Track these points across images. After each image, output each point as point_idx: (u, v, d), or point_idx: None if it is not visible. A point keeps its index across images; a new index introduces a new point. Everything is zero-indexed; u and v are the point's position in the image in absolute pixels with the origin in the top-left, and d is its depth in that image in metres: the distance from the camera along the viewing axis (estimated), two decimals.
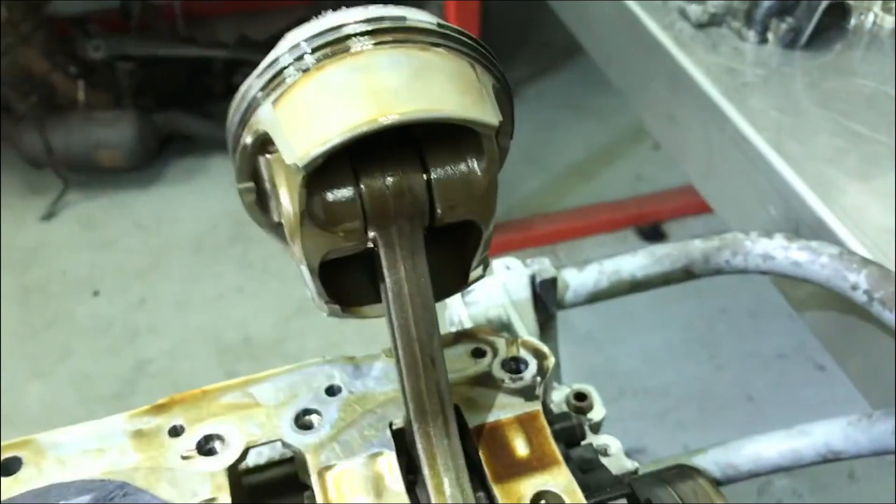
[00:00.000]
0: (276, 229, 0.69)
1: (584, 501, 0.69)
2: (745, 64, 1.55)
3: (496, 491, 0.70)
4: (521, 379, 0.78)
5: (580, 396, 0.89)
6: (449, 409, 0.69)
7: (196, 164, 3.57)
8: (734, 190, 1.50)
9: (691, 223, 3.34)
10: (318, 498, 0.71)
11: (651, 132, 1.78)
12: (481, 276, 0.72)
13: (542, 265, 1.13)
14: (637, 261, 1.18)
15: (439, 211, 0.66)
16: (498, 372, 0.79)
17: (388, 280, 0.67)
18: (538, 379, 0.78)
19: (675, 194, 3.33)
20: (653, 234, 3.30)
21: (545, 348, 0.79)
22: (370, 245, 0.67)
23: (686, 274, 1.20)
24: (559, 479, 0.70)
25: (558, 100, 3.88)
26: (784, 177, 1.36)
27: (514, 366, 0.79)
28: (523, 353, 0.80)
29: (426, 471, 0.69)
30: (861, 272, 1.10)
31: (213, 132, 3.51)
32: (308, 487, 0.72)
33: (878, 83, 1.49)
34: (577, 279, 1.15)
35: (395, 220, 0.65)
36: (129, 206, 3.42)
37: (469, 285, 0.72)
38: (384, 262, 0.66)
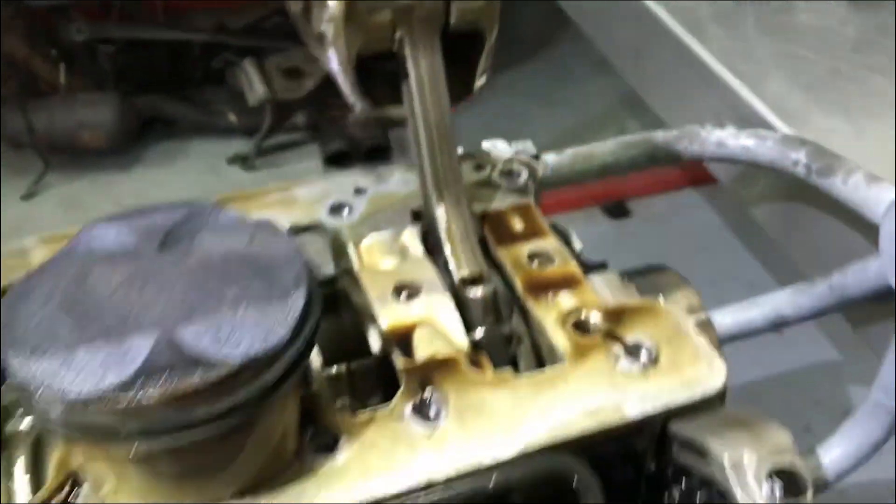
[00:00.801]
0: (318, 39, 0.86)
1: (571, 259, 0.86)
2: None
3: (499, 253, 0.87)
4: (515, 182, 0.95)
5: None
6: (461, 183, 0.86)
7: (176, 147, 3.71)
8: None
9: (655, 202, 3.55)
10: (355, 264, 0.87)
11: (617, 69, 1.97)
12: (483, 85, 0.89)
13: (525, 145, 1.30)
14: (607, 147, 1.36)
15: (453, 18, 0.83)
16: (497, 179, 0.96)
17: (411, 73, 0.84)
18: (530, 183, 0.95)
19: (639, 175, 3.54)
20: (618, 211, 3.50)
21: (535, 162, 0.97)
22: (395, 48, 0.84)
23: (649, 160, 1.38)
24: (549, 242, 0.88)
25: (529, 91, 4.07)
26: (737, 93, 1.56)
27: (510, 174, 0.96)
28: (516, 166, 0.97)
29: (444, 236, 0.86)
30: (801, 150, 1.30)
31: (194, 116, 3.65)
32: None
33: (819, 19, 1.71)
34: (555, 160, 1.33)
35: (417, 22, 0.83)
36: (110, 187, 3.54)
37: (473, 93, 0.89)
38: (408, 57, 0.83)
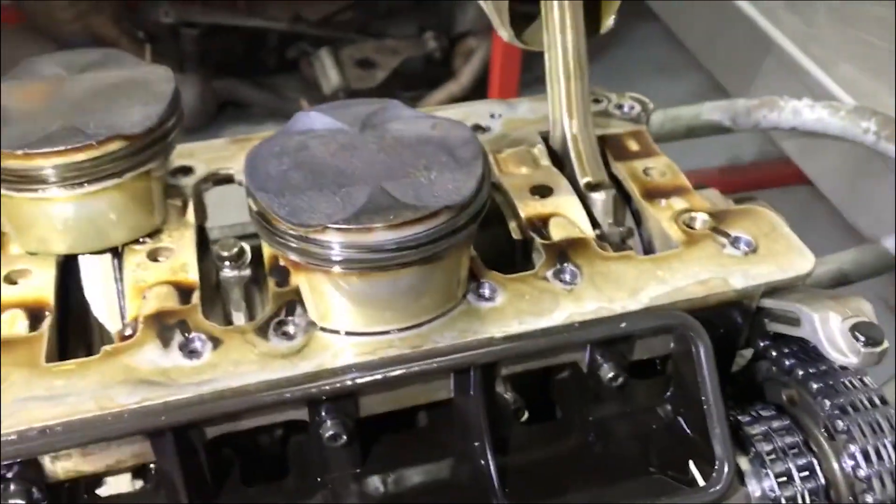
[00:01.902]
0: None
1: (681, 174, 1.03)
2: None
3: (617, 167, 1.05)
4: (628, 113, 1.13)
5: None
6: (589, 107, 1.04)
7: (249, 130, 3.90)
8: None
9: None
10: (495, 170, 1.05)
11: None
12: (610, 28, 1.07)
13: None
14: (693, 111, 1.53)
15: None
16: (612, 110, 1.14)
17: (555, 12, 1.02)
18: (642, 114, 1.13)
19: None
20: None
21: (646, 98, 1.15)
22: None
23: (731, 125, 1.55)
24: (661, 160, 1.05)
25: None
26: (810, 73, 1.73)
27: (623, 107, 1.14)
28: (629, 101, 1.15)
29: (572, 149, 1.04)
30: (871, 119, 1.46)
31: (268, 101, 3.87)
32: None
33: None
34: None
35: None
36: None
37: (601, 32, 1.07)
38: None
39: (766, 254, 0.92)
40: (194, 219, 0.99)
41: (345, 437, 0.83)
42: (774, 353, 0.92)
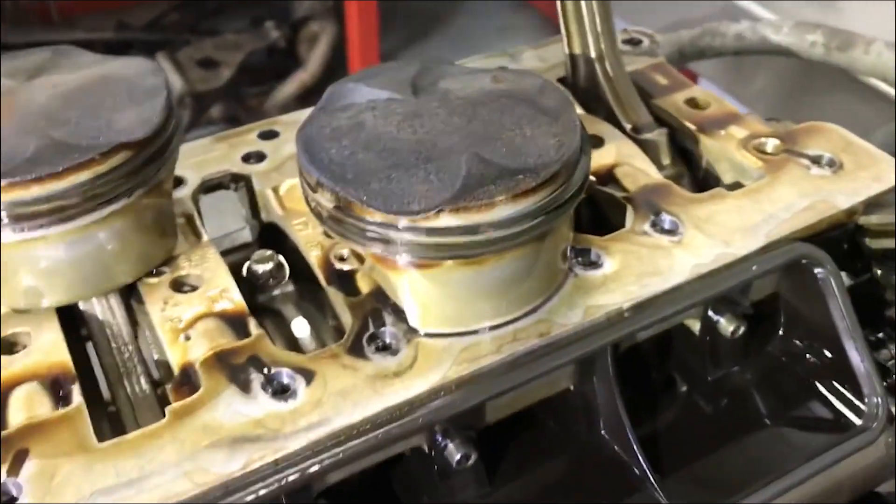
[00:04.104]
0: None
1: (724, 100, 0.95)
2: None
3: (657, 104, 0.96)
4: (641, 48, 1.04)
5: None
6: (618, 47, 0.94)
7: None
8: None
9: None
10: None
11: None
12: None
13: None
14: None
15: None
16: (624, 47, 1.04)
17: None
18: (654, 46, 1.04)
19: None
20: None
21: (649, 30, 1.06)
22: None
23: (679, 56, 1.49)
24: (697, 90, 0.97)
25: (438, 58, 4.17)
26: None
27: (632, 42, 1.05)
28: (636, 35, 1.06)
29: (609, 93, 0.93)
30: (817, 31, 1.43)
31: None
32: None
33: None
34: None
35: None
36: None
37: None
38: None
39: (854, 168, 0.86)
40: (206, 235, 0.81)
41: (474, 456, 0.70)
42: (880, 271, 0.85)
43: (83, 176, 0.67)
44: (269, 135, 0.92)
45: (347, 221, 0.66)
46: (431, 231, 0.64)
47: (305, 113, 0.87)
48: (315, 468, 0.62)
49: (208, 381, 0.67)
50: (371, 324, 0.71)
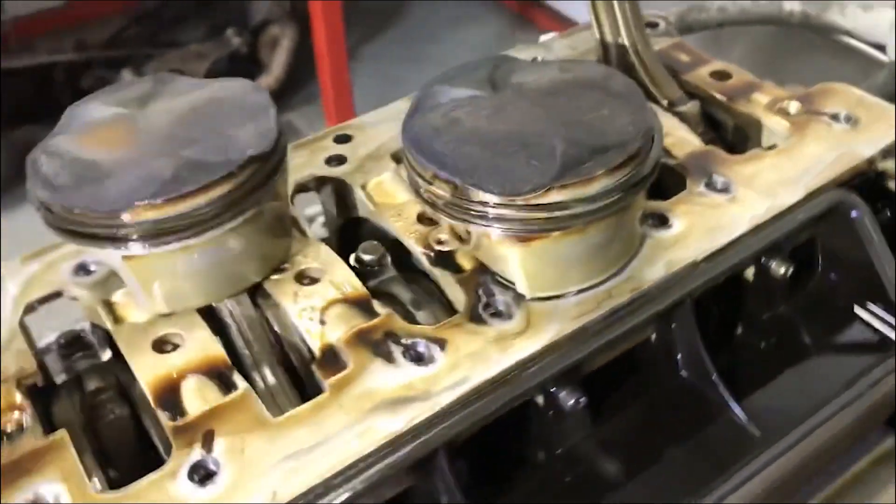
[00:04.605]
0: None
1: (743, 70, 1.07)
2: None
3: (684, 79, 1.07)
4: (658, 30, 1.15)
5: None
6: (644, 28, 1.05)
7: None
8: None
9: None
10: None
11: None
12: None
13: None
14: None
15: None
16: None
17: None
18: (671, 28, 1.15)
19: None
20: None
21: (663, 13, 1.17)
22: None
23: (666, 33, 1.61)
24: (716, 64, 1.08)
25: (395, 55, 4.25)
26: None
27: (649, 25, 1.16)
28: (652, 19, 1.17)
29: (642, 71, 1.04)
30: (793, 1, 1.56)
31: None
32: None
33: None
34: None
35: None
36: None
37: None
38: None
39: (869, 121, 0.98)
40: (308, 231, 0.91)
41: (584, 399, 0.81)
42: None
43: (222, 189, 0.77)
44: (343, 139, 1.02)
45: (467, 206, 0.76)
46: (542, 207, 0.74)
47: (373, 117, 0.98)
48: (467, 419, 0.73)
49: (355, 356, 0.77)
50: (483, 294, 0.82)
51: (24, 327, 0.84)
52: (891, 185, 0.97)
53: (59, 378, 0.86)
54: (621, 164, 0.75)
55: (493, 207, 0.75)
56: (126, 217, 0.75)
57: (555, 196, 0.74)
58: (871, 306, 0.93)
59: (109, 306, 0.84)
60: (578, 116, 0.80)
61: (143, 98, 0.87)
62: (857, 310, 0.94)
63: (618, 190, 0.75)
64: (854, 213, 0.90)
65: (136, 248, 0.76)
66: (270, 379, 0.84)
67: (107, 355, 0.87)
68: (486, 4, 4.54)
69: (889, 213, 0.98)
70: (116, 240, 0.76)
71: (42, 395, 0.82)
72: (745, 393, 0.87)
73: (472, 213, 0.76)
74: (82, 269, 0.88)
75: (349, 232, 1.01)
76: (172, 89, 0.88)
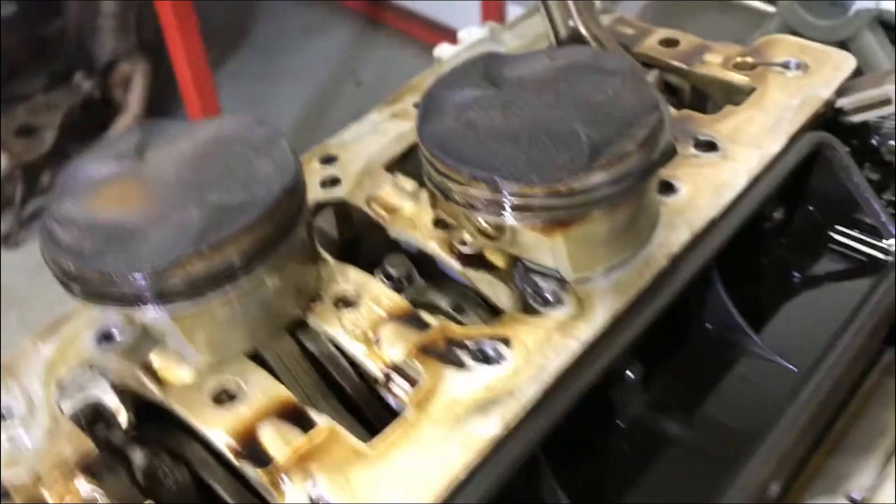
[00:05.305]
0: None
1: (689, 35, 1.13)
2: None
3: (636, 50, 1.12)
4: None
5: None
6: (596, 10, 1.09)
7: None
8: None
9: None
10: None
11: None
12: None
13: None
14: None
15: None
16: None
17: None
18: (608, 4, 1.20)
19: None
20: None
21: None
22: None
23: None
24: (662, 32, 1.14)
25: (254, 72, 4.17)
26: None
27: None
28: None
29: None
30: None
31: None
32: None
33: None
34: None
35: None
36: None
37: None
38: None
39: (817, 65, 1.06)
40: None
41: (643, 368, 0.84)
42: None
43: (264, 226, 0.75)
44: (329, 159, 1.01)
45: (506, 202, 0.77)
46: (583, 191, 0.77)
47: (351, 134, 0.98)
48: (557, 408, 0.74)
49: (426, 369, 0.77)
50: (526, 286, 0.83)
51: (61, 408, 0.80)
52: (847, 119, 1.05)
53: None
54: (649, 137, 0.79)
55: (535, 198, 0.77)
56: (172, 273, 0.72)
57: (595, 178, 0.77)
58: (854, 232, 1.01)
59: (149, 369, 0.81)
60: (587, 99, 0.83)
61: (138, 149, 0.83)
62: (842, 238, 1.02)
63: (651, 163, 0.79)
64: (831, 153, 0.97)
65: (184, 303, 0.74)
66: (328, 411, 0.83)
67: (124, 420, 0.83)
68: (333, 10, 4.53)
69: (852, 145, 1.06)
70: (164, 298, 0.73)
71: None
72: (768, 335, 0.93)
73: (515, 207, 0.78)
74: (106, 336, 0.84)
75: (347, 252, 1.01)
76: (164, 136, 0.85)
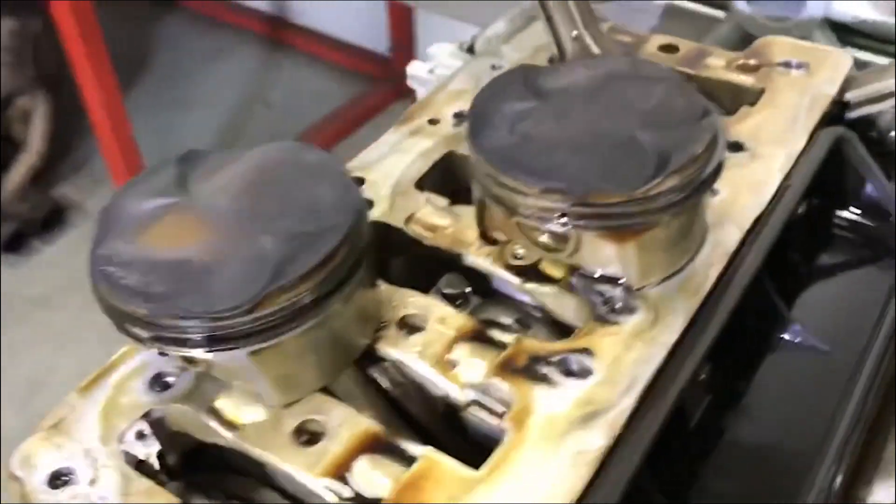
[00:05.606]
0: None
1: (686, 40, 1.15)
2: None
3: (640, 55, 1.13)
4: None
5: None
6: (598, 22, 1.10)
7: None
8: None
9: None
10: None
11: None
12: None
13: None
14: None
15: None
16: None
17: None
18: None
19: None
20: None
21: None
22: None
23: None
24: (659, 38, 1.16)
25: (164, 101, 4.06)
26: None
27: None
28: None
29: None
30: None
31: None
32: None
33: None
34: None
35: None
36: None
37: None
38: None
39: (818, 63, 1.09)
40: None
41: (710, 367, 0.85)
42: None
43: (343, 253, 0.72)
44: (357, 182, 0.98)
45: (585, 212, 0.77)
46: (661, 196, 0.77)
47: (373, 155, 0.97)
48: (657, 417, 0.74)
49: (515, 388, 0.75)
50: (592, 296, 0.83)
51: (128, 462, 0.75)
52: (851, 114, 1.09)
53: None
54: (713, 139, 0.79)
55: (611, 207, 0.77)
56: (256, 309, 0.68)
57: (669, 183, 0.77)
58: (867, 221, 1.05)
59: (215, 413, 0.76)
60: (637, 106, 0.83)
61: (180, 181, 0.79)
62: (855, 227, 1.06)
63: (718, 164, 0.79)
64: (850, 144, 1.01)
65: (268, 339, 0.70)
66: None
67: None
68: (236, 34, 4.45)
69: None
70: (248, 336, 0.69)
71: None
72: (813, 328, 0.95)
73: (590, 216, 0.77)
74: (159, 382, 0.79)
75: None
76: (208, 166, 0.81)
